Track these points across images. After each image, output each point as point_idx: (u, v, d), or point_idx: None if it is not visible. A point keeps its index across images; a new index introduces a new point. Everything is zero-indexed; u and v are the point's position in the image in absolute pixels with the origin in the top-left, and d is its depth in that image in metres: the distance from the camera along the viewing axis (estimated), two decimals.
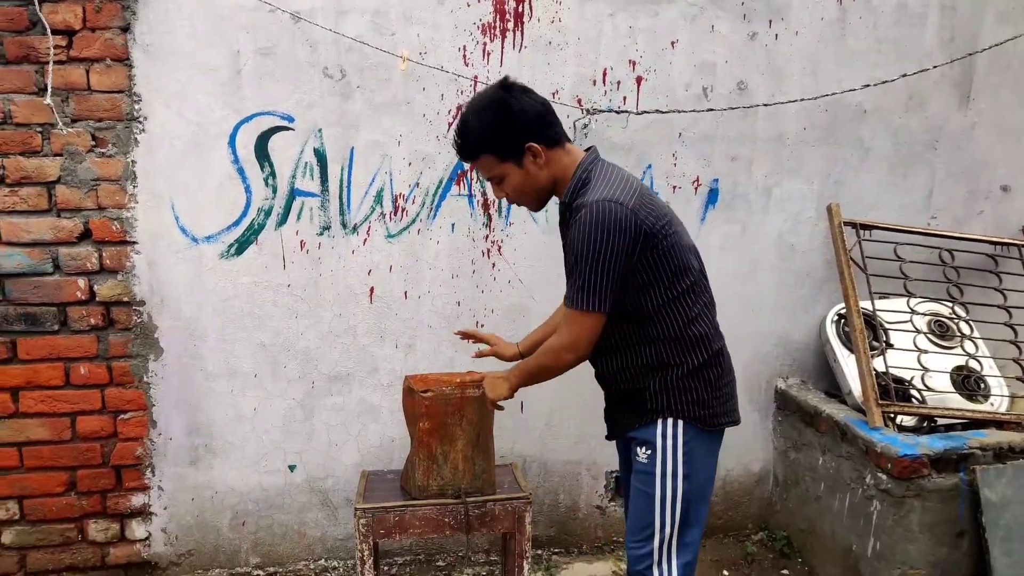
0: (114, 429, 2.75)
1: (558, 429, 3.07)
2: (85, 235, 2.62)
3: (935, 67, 3.01)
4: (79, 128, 2.57)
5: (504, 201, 2.47)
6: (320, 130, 2.73)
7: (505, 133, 1.85)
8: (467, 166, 2.77)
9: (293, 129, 2.71)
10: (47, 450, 2.71)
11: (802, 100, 2.97)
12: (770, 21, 2.92)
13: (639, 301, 1.87)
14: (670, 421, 1.92)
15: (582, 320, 1.84)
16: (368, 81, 2.72)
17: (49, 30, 2.46)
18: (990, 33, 3.04)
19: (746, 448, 3.23)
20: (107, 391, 2.72)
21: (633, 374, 1.96)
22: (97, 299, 2.66)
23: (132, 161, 2.62)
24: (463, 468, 2.38)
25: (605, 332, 1.89)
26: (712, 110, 2.93)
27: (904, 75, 2.99)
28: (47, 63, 2.49)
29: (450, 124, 2.79)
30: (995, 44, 3.01)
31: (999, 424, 2.77)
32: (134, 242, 2.67)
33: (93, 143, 2.58)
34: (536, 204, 1.99)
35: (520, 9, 2.77)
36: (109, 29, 2.53)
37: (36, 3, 2.44)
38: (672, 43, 2.88)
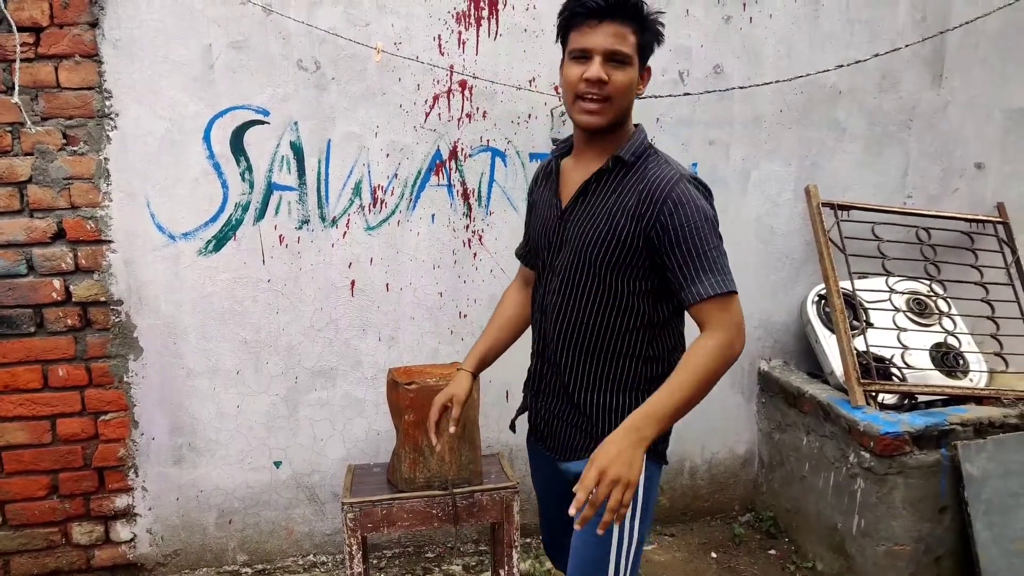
0: (95, 431, 2.72)
1: None
2: (59, 235, 2.59)
3: (907, 46, 3.04)
4: (49, 126, 2.53)
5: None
6: (296, 123, 2.70)
7: (656, 32, 1.60)
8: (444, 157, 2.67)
9: (268, 123, 2.69)
10: (28, 454, 2.67)
11: (777, 82, 2.98)
12: (744, 4, 2.93)
13: (658, 308, 1.64)
14: None
15: (735, 303, 1.54)
16: (343, 73, 2.70)
17: (15, 27, 2.42)
18: (960, 11, 3.06)
19: (731, 430, 3.26)
20: (87, 392, 2.69)
21: (612, 393, 1.67)
22: (73, 300, 2.63)
23: (105, 159, 2.59)
24: (449, 459, 2.38)
25: (612, 334, 1.65)
26: (689, 94, 2.93)
27: (876, 55, 3.02)
28: (14, 61, 2.45)
29: (427, 114, 2.78)
30: (965, 22, 3.03)
31: (978, 400, 2.81)
32: (109, 241, 2.63)
33: (64, 141, 2.54)
34: (615, 115, 1.59)
35: None
36: (77, 25, 2.49)
37: (1, 1, 2.40)
38: None
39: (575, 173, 1.68)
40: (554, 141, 1.81)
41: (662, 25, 1.60)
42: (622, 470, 1.37)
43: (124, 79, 2.56)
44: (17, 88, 2.45)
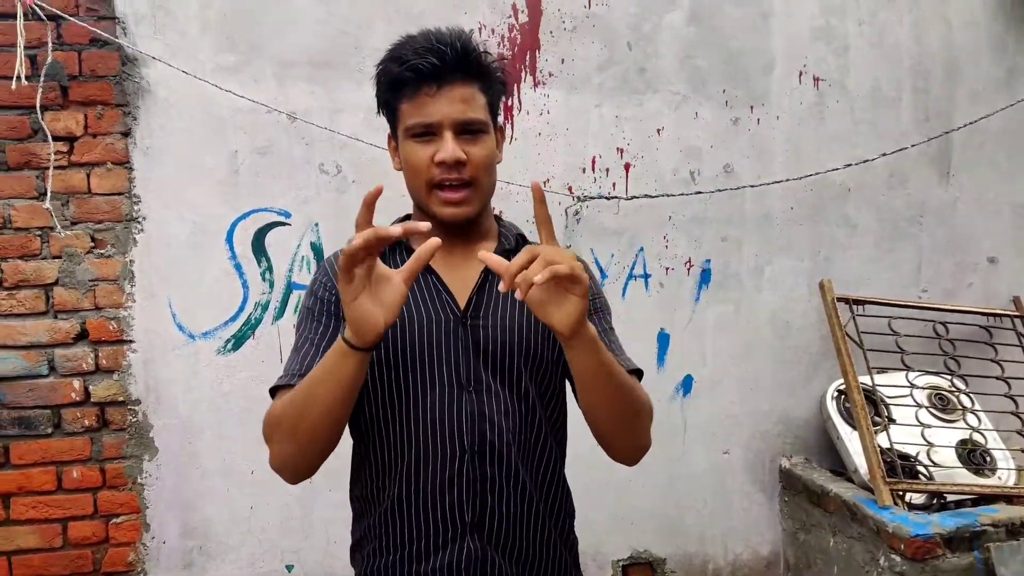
0: (106, 534, 2.67)
1: None
2: (81, 335, 2.62)
3: (913, 146, 3.11)
4: (78, 230, 2.60)
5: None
6: (316, 224, 2.77)
7: (503, 83, 1.33)
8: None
9: (290, 224, 2.75)
10: (37, 558, 2.62)
11: (787, 180, 3.05)
12: (751, 107, 3.03)
13: (563, 404, 1.37)
14: None
15: None
16: (363, 176, 2.78)
17: (51, 137, 2.53)
18: (963, 112, 3.15)
19: (753, 530, 3.17)
20: (99, 494, 2.66)
21: (561, 536, 1.35)
22: (92, 400, 2.64)
23: (130, 260, 2.65)
24: None
25: (558, 462, 1.35)
26: (700, 193, 3.00)
27: (883, 154, 3.09)
28: (48, 169, 2.54)
29: None
30: (969, 123, 3.11)
31: (1008, 499, 2.73)
32: (131, 341, 2.66)
33: (92, 244, 2.61)
34: (484, 197, 1.29)
35: (509, 103, 2.86)
36: (110, 134, 2.60)
37: (39, 112, 2.51)
38: (658, 130, 2.97)
39: (452, 266, 1.30)
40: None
41: (504, 72, 1.33)
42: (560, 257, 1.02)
43: (152, 184, 2.65)
44: (49, 195, 2.53)
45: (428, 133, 1.23)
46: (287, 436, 1.20)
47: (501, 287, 1.03)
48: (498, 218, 1.41)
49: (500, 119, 1.36)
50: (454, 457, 1.23)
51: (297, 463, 1.24)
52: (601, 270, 2.96)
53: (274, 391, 1.28)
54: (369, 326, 1.07)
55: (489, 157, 1.26)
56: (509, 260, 1.09)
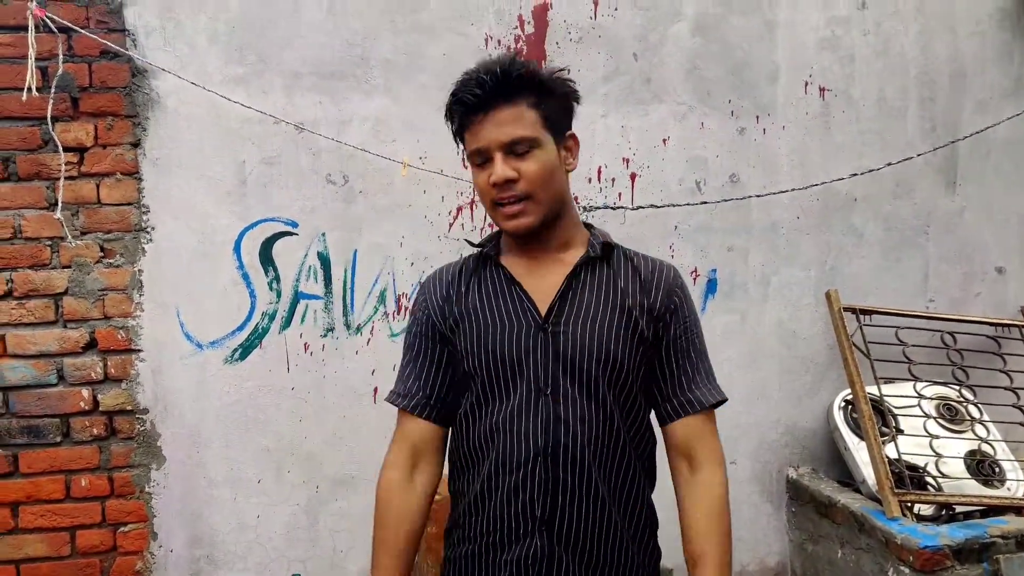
0: (114, 543, 2.68)
1: None
2: (90, 345, 2.64)
3: (919, 155, 3.11)
4: (88, 240, 2.62)
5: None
6: (323, 234, 2.78)
7: (564, 93, 1.36)
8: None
9: (297, 234, 2.77)
10: (45, 567, 2.63)
11: (793, 190, 3.05)
12: (757, 117, 3.03)
13: (643, 415, 1.42)
14: None
15: (716, 424, 1.37)
16: (370, 186, 2.80)
17: (61, 148, 2.55)
18: (969, 122, 3.14)
19: (761, 541, 3.15)
20: (108, 503, 2.67)
21: (638, 540, 1.41)
22: (100, 409, 2.65)
23: (139, 270, 2.67)
24: None
25: (640, 466, 1.40)
26: (706, 203, 3.00)
27: (889, 163, 3.08)
28: (58, 179, 2.56)
29: (451, 225, 2.86)
30: (975, 132, 3.11)
31: (1018, 510, 2.72)
32: (139, 350, 2.68)
33: (101, 254, 2.63)
34: (544, 208, 1.33)
35: None
36: (120, 145, 2.62)
37: (49, 123, 2.54)
38: (663, 140, 2.97)
39: (536, 275, 1.37)
40: (470, 243, 1.57)
41: (569, 82, 1.36)
42: None
43: (161, 194, 2.67)
44: (60, 205, 2.56)
45: (484, 158, 1.32)
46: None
47: None
48: (589, 225, 1.46)
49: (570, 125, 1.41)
50: (527, 458, 1.31)
51: None
52: None
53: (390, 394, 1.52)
54: None
55: (542, 170, 1.31)
56: (594, 268, 1.34)
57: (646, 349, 1.36)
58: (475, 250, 1.49)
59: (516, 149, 1.29)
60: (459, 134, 1.37)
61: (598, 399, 1.31)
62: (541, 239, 1.37)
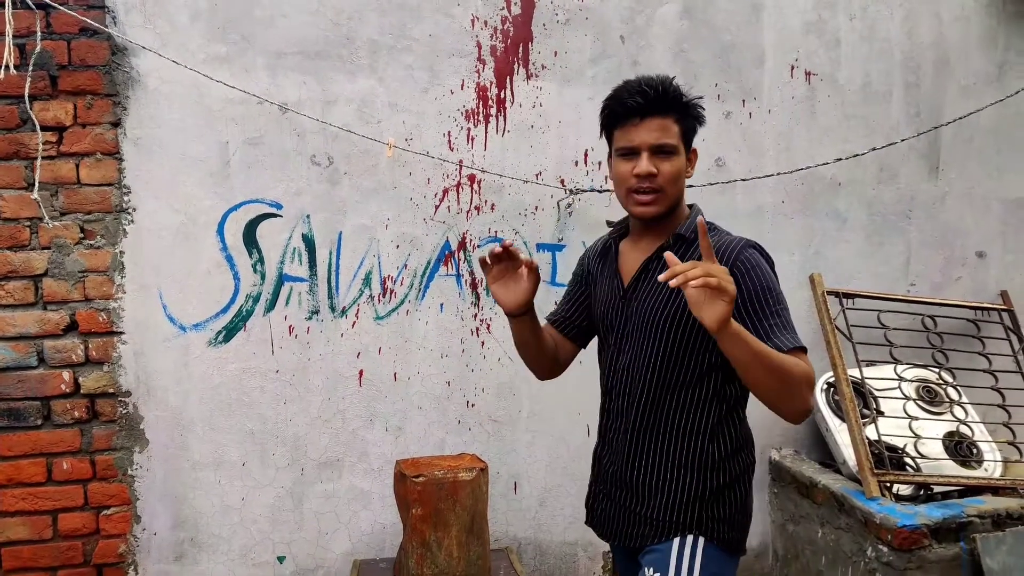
0: (96, 526, 2.67)
1: (553, 510, 3.02)
2: (71, 327, 2.61)
3: (903, 140, 3.13)
4: (67, 221, 2.59)
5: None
6: (308, 216, 2.76)
7: (697, 116, 1.67)
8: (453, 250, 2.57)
9: (281, 216, 2.75)
10: (27, 550, 2.62)
11: (778, 174, 3.06)
12: (743, 101, 3.04)
13: (728, 385, 1.65)
14: (689, 540, 1.62)
15: (808, 360, 1.53)
16: (355, 167, 2.77)
17: (39, 128, 2.51)
18: (953, 107, 3.16)
19: None
20: (90, 486, 2.66)
21: (676, 470, 1.65)
22: (82, 391, 2.63)
23: (120, 252, 2.63)
24: (458, 555, 2.33)
25: (683, 410, 1.64)
26: (692, 186, 3.00)
27: (874, 148, 3.10)
28: (36, 159, 2.52)
29: (437, 207, 2.84)
30: (958, 118, 3.13)
31: (994, 490, 2.76)
32: (121, 332, 2.65)
33: (81, 235, 2.60)
34: (669, 203, 1.64)
35: (502, 95, 2.86)
36: (100, 124, 2.58)
37: (27, 101, 2.49)
38: None
39: (634, 254, 1.73)
40: (609, 223, 1.86)
41: (702, 108, 1.67)
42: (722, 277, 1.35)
43: (143, 175, 2.63)
44: (37, 185, 2.52)
45: (631, 153, 1.62)
46: (521, 357, 1.86)
47: (660, 277, 1.38)
48: (691, 206, 1.74)
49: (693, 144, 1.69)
50: (603, 392, 1.79)
51: (535, 370, 1.90)
52: None
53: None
54: (503, 304, 1.71)
55: (675, 172, 1.62)
56: (672, 247, 1.64)
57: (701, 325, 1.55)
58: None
59: (662, 151, 1.60)
60: (609, 128, 1.68)
61: (646, 356, 1.65)
62: (654, 226, 1.68)
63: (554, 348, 1.88)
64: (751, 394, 1.57)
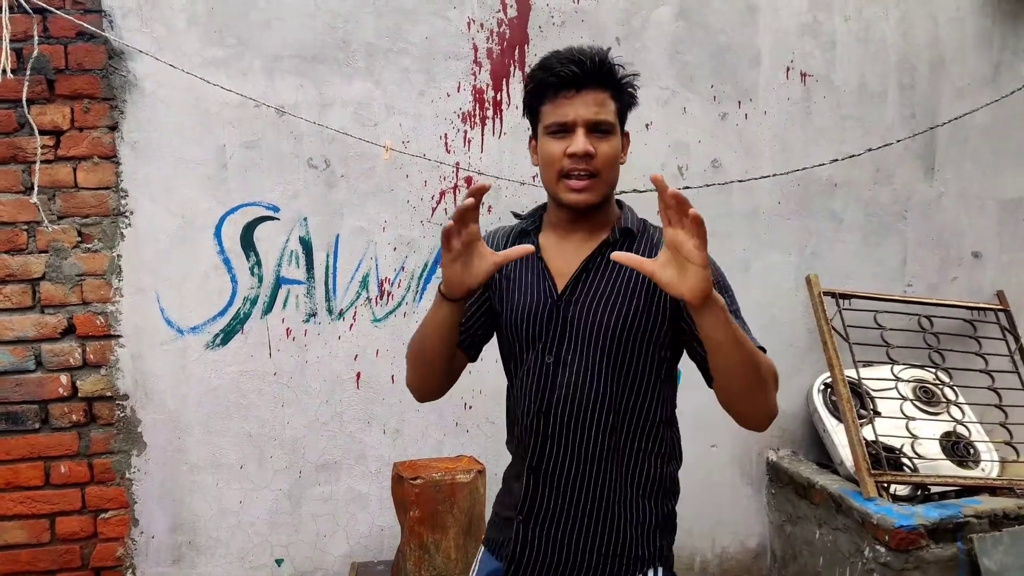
0: (94, 529, 2.67)
1: None
2: (69, 330, 2.61)
3: (898, 141, 3.13)
4: (65, 225, 2.59)
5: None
6: (305, 219, 2.77)
7: (632, 94, 1.47)
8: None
9: (278, 219, 2.75)
10: (25, 554, 2.62)
11: (774, 175, 3.07)
12: (739, 102, 3.04)
13: (671, 400, 1.53)
14: (651, 574, 1.47)
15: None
16: (352, 170, 2.78)
17: (37, 132, 2.51)
18: (948, 107, 3.17)
19: (741, 523, 3.19)
20: (88, 489, 2.66)
21: (641, 501, 1.48)
22: (79, 395, 2.63)
23: (118, 255, 2.64)
24: (456, 557, 2.34)
25: (638, 430, 1.47)
26: (688, 187, 3.01)
27: (869, 149, 3.11)
28: (34, 163, 2.53)
29: (434, 209, 2.85)
30: (954, 118, 3.13)
31: (992, 490, 2.77)
32: (118, 336, 2.66)
33: (79, 239, 2.60)
34: (606, 189, 1.44)
35: (499, 98, 2.87)
36: (97, 128, 2.59)
37: (25, 105, 2.49)
38: (646, 125, 2.98)
39: (565, 251, 1.49)
40: (515, 215, 1.62)
41: (635, 87, 1.48)
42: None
43: (140, 178, 2.64)
44: (36, 189, 2.52)
45: (563, 130, 1.40)
46: (412, 362, 1.53)
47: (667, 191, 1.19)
48: (620, 203, 1.55)
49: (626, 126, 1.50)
50: (528, 413, 1.48)
51: (421, 386, 1.55)
52: None
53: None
54: (454, 285, 1.34)
55: (613, 154, 1.43)
56: (612, 251, 1.34)
57: (658, 328, 1.44)
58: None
59: (599, 128, 1.40)
60: (535, 104, 1.45)
61: (594, 371, 1.43)
62: (585, 218, 1.47)
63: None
64: (718, 395, 1.39)
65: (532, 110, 1.47)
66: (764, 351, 1.40)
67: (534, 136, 1.49)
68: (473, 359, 1.60)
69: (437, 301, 1.39)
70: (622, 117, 1.46)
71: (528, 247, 1.34)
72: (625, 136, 1.49)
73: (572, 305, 1.45)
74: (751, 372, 1.30)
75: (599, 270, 1.46)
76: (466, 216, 1.27)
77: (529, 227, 1.54)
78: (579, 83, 1.38)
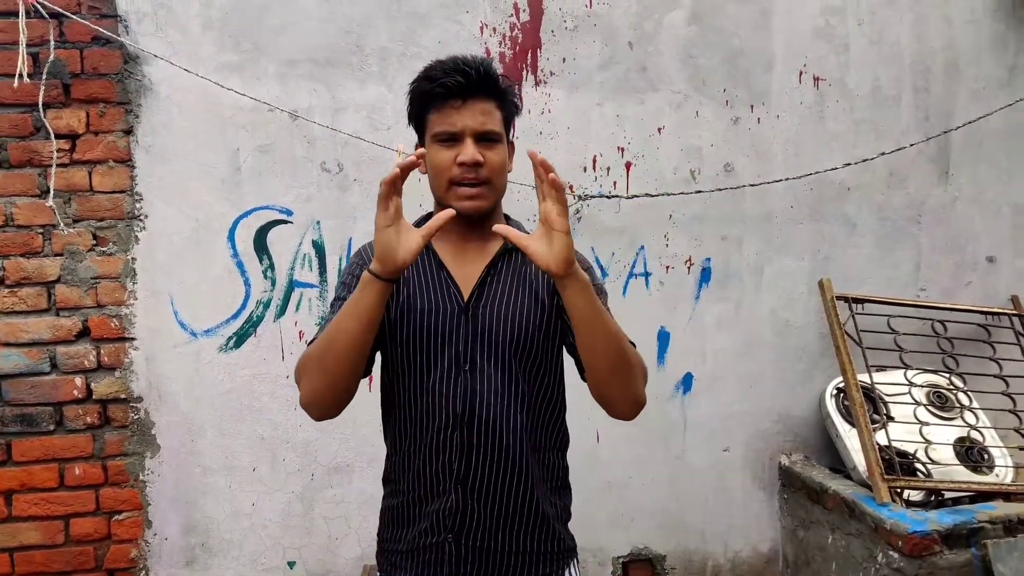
0: (108, 531, 2.68)
1: None
2: (83, 333, 2.63)
3: (912, 145, 3.12)
4: (80, 228, 2.61)
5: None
6: (318, 222, 2.78)
7: (515, 104, 1.52)
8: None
9: (292, 222, 2.76)
10: (40, 555, 2.64)
11: (787, 179, 3.05)
12: (752, 106, 3.04)
13: (564, 395, 1.58)
14: (573, 565, 1.56)
15: None
16: (365, 174, 2.79)
17: (53, 136, 2.53)
18: (963, 111, 3.16)
19: (753, 528, 3.18)
20: (102, 491, 2.67)
21: (554, 496, 1.55)
22: (94, 397, 2.64)
23: (132, 258, 2.65)
24: None
25: (547, 430, 1.53)
26: (700, 192, 3.00)
27: (883, 153, 3.09)
28: (50, 166, 2.54)
29: None
30: (968, 122, 3.12)
31: (1006, 496, 2.75)
32: (132, 338, 2.67)
33: (94, 242, 2.62)
34: (496, 196, 1.47)
35: None
36: (112, 132, 2.60)
37: (41, 109, 2.51)
38: (659, 129, 2.97)
39: (463, 259, 1.50)
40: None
41: (517, 96, 1.53)
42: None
43: (155, 182, 2.65)
44: (52, 192, 2.54)
45: (452, 139, 1.42)
46: (316, 368, 1.37)
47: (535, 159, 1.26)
48: (507, 216, 1.59)
49: (512, 134, 1.54)
50: (446, 424, 1.45)
51: (324, 395, 1.40)
52: (602, 268, 2.97)
53: (311, 344, 1.46)
54: (391, 257, 1.27)
55: (502, 162, 1.46)
56: (511, 258, 1.49)
57: (556, 325, 1.50)
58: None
59: (487, 137, 1.43)
60: (422, 115, 1.46)
61: (511, 374, 1.46)
62: (477, 225, 1.49)
63: None
64: (589, 382, 1.42)
65: (418, 119, 1.49)
66: (634, 345, 1.45)
67: (421, 143, 1.50)
68: (367, 374, 1.47)
69: (365, 283, 1.30)
70: (507, 126, 1.50)
71: (450, 212, 1.30)
72: (510, 145, 1.53)
73: (480, 311, 1.46)
74: (615, 348, 1.35)
75: (501, 275, 1.50)
76: (397, 184, 1.26)
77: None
78: (465, 93, 1.41)
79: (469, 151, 1.40)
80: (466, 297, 1.47)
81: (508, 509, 1.46)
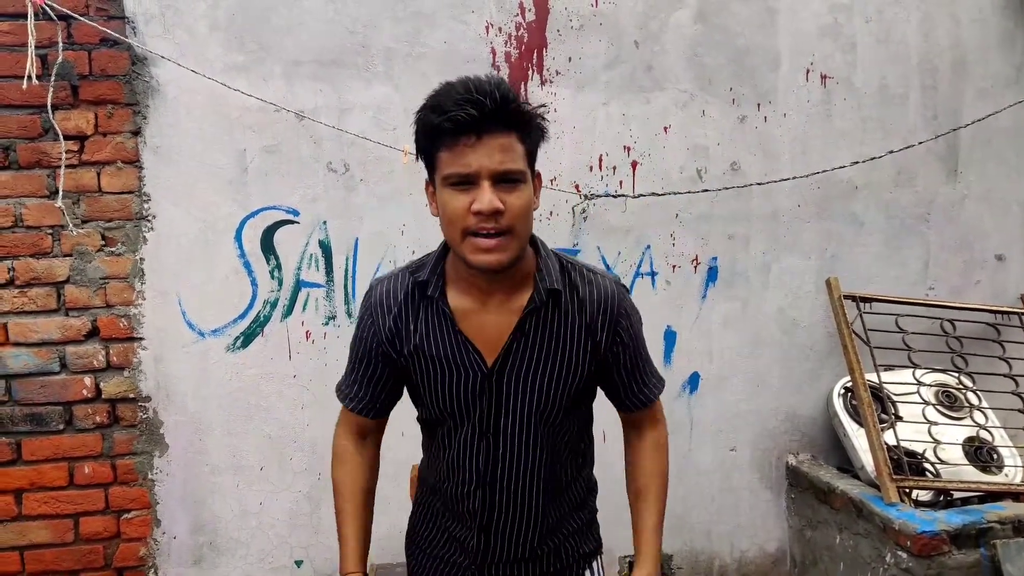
0: (117, 530, 2.70)
1: None
2: (92, 333, 2.64)
3: (920, 143, 3.10)
4: (89, 228, 2.62)
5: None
6: (325, 222, 2.78)
7: (542, 130, 1.31)
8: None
9: (298, 222, 2.77)
10: (49, 553, 2.65)
11: (794, 178, 3.05)
12: (758, 105, 3.03)
13: (580, 433, 1.56)
14: (595, 563, 1.62)
15: None
16: (371, 174, 2.79)
17: (61, 137, 2.54)
18: (971, 109, 3.14)
19: (760, 527, 3.17)
20: (111, 490, 2.69)
21: (570, 514, 1.57)
22: (103, 396, 2.66)
23: (140, 259, 2.67)
24: None
25: (575, 481, 1.55)
26: (707, 191, 3.00)
27: (891, 151, 3.08)
28: (59, 167, 2.56)
29: None
30: (976, 120, 3.10)
31: (1015, 496, 2.73)
32: (141, 338, 2.69)
33: (103, 242, 2.63)
34: (519, 247, 1.28)
35: None
36: (120, 133, 2.62)
37: (49, 111, 2.53)
38: (665, 128, 2.97)
39: (484, 316, 1.37)
40: (412, 273, 1.44)
41: (545, 119, 1.31)
42: None
43: (162, 183, 2.66)
44: (60, 193, 2.55)
45: (466, 182, 1.23)
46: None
47: None
48: (537, 250, 1.41)
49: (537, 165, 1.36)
50: (470, 480, 1.45)
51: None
52: (608, 267, 2.97)
53: (337, 390, 1.62)
54: None
55: (526, 206, 1.27)
56: (541, 315, 1.36)
57: (589, 381, 1.46)
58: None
59: (507, 179, 1.23)
60: (431, 151, 1.27)
61: (535, 438, 1.42)
62: (499, 276, 1.32)
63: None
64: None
65: (427, 153, 1.29)
66: (663, 383, 1.57)
67: (431, 182, 1.32)
68: (387, 417, 1.60)
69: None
70: (532, 158, 1.29)
71: None
72: (537, 178, 1.33)
73: (505, 379, 1.37)
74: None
75: (529, 337, 1.36)
76: None
77: (433, 292, 1.37)
78: (480, 127, 1.20)
79: (486, 198, 1.20)
80: (490, 363, 1.37)
81: (526, 553, 1.49)
